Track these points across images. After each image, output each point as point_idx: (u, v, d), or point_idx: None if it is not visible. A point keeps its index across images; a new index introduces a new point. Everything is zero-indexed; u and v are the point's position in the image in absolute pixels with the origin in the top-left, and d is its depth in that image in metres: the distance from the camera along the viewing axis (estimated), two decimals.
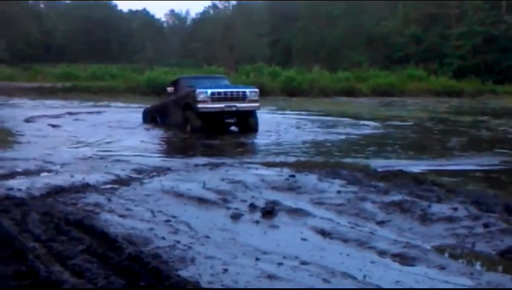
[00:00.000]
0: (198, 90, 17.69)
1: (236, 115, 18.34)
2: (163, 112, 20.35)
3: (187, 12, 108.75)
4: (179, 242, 5.74)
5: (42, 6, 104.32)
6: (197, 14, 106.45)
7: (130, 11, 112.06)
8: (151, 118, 21.28)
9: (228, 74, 44.46)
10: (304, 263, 5.32)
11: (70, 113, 23.43)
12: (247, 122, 18.54)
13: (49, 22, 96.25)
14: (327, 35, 75.74)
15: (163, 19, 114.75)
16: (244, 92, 18.46)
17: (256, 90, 18.92)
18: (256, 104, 18.54)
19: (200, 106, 17.50)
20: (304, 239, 6.24)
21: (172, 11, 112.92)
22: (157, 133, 18.31)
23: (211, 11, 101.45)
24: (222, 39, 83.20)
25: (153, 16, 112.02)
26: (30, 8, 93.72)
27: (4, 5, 75.77)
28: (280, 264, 5.25)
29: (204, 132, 17.56)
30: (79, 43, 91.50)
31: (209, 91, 17.73)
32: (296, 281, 4.81)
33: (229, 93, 18.13)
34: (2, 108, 25.49)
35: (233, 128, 19.18)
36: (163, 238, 5.86)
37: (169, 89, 20.39)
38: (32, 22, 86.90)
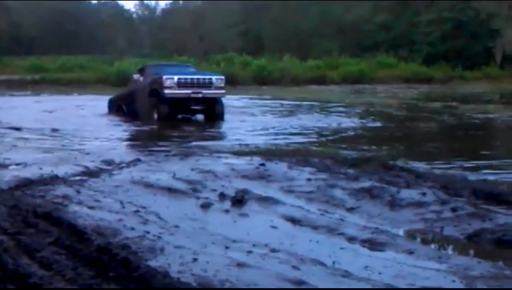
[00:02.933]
0: (165, 77, 17.91)
1: (202, 101, 18.42)
2: (130, 100, 20.30)
3: (156, 3, 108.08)
4: (148, 232, 5.71)
5: None
6: (166, 5, 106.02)
7: (99, 2, 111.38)
8: (117, 106, 21.25)
9: (198, 64, 44.36)
10: (273, 250, 5.33)
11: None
12: (213, 109, 18.66)
13: (17, 14, 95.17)
14: (298, 24, 75.70)
15: (133, 9, 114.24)
16: (211, 78, 18.75)
17: (222, 77, 19.22)
18: (223, 91, 18.85)
19: (166, 91, 17.69)
20: (273, 227, 6.27)
21: (141, 1, 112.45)
22: (125, 122, 18.31)
23: (181, 2, 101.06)
24: (192, 29, 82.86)
25: (122, 7, 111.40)
26: None
27: None
28: (249, 252, 5.26)
29: (171, 121, 17.75)
30: (48, 35, 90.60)
31: (176, 77, 17.95)
32: (265, 268, 4.81)
33: (195, 80, 18.39)
34: None
35: (199, 116, 19.33)
36: (133, 229, 5.83)
37: (136, 76, 20.48)
38: (0, 15, 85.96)
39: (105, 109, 21.56)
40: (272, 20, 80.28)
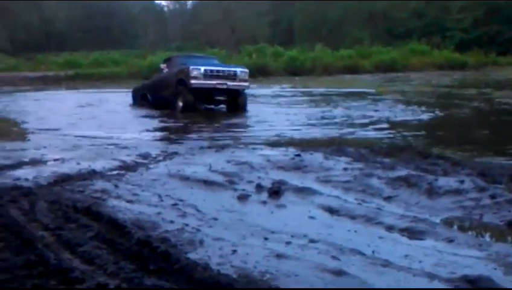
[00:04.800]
0: (191, 67, 18.40)
1: (226, 92, 18.84)
2: (155, 89, 20.80)
3: None
4: (187, 225, 5.74)
5: None
6: None
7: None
8: (141, 95, 21.75)
9: (230, 56, 44.41)
10: (312, 241, 5.33)
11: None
12: (237, 100, 19.09)
13: (49, 10, 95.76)
14: (328, 13, 75.39)
15: (164, 3, 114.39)
16: (235, 71, 19.16)
17: (247, 70, 19.56)
18: (246, 84, 19.22)
19: (193, 81, 18.14)
20: (311, 217, 6.26)
21: None
22: (154, 114, 18.49)
23: None
24: (223, 21, 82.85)
25: (153, 2, 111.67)
26: None
27: None
28: (288, 243, 5.26)
29: (196, 111, 18.26)
30: (79, 31, 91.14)
31: (202, 68, 18.44)
32: (305, 259, 4.81)
33: (220, 72, 18.83)
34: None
35: (222, 106, 19.69)
36: (172, 222, 5.86)
37: (163, 66, 21.15)
38: (33, 11, 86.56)
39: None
40: (301, 10, 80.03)
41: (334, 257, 4.88)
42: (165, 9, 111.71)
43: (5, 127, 14.63)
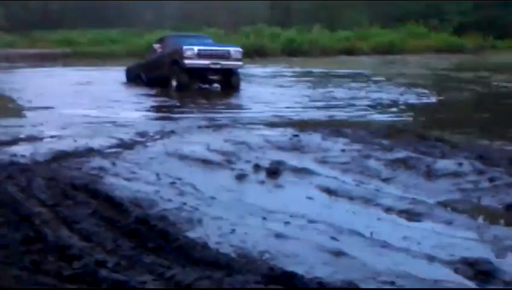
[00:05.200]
0: (185, 47, 18.46)
1: (220, 72, 18.89)
2: (149, 69, 20.85)
3: None
4: (185, 204, 5.73)
5: None
6: None
7: None
8: (135, 75, 21.89)
9: (228, 36, 44.24)
10: (311, 221, 5.32)
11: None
12: (230, 80, 19.08)
13: None
14: None
15: None
16: (229, 50, 19.33)
17: (240, 49, 19.64)
18: (240, 63, 19.28)
19: (187, 61, 18.22)
20: (309, 198, 6.24)
21: None
22: (149, 92, 18.47)
23: None
24: (220, 1, 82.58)
25: None
26: None
27: None
28: (287, 223, 5.25)
29: (190, 90, 18.29)
30: (76, 9, 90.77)
31: (196, 48, 18.53)
32: (304, 239, 4.80)
33: (214, 51, 19.01)
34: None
35: (215, 85, 19.64)
36: (170, 200, 5.85)
37: (156, 46, 21.11)
38: None
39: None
40: None
41: (333, 238, 4.87)
42: None
43: (1, 103, 14.59)
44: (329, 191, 6.45)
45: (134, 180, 6.67)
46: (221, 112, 13.89)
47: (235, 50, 19.33)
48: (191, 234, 4.80)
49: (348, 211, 5.80)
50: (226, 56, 18.88)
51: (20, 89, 18.46)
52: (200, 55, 18.35)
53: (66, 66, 32.55)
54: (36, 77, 24.32)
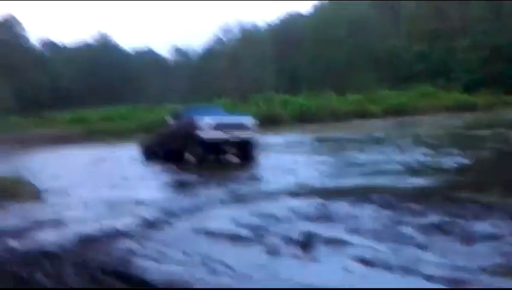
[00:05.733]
0: (200, 120, 18.32)
1: (236, 143, 18.71)
2: (163, 143, 20.77)
3: (192, 49, 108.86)
4: (219, 283, 5.53)
5: (46, 52, 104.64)
6: (202, 50, 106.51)
7: (134, 51, 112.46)
8: (149, 151, 21.86)
9: (237, 105, 44.47)
10: None
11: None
12: (248, 150, 18.91)
13: (54, 67, 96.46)
14: (333, 59, 75.71)
15: (168, 56, 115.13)
16: (244, 121, 19.30)
17: (255, 120, 19.54)
18: (256, 133, 19.22)
19: (202, 134, 18.09)
20: (346, 270, 6.03)
21: (176, 48, 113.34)
22: (165, 168, 18.31)
23: (216, 46, 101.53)
24: (229, 71, 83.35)
25: (157, 55, 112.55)
26: (35, 55, 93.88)
27: (9, 54, 76.36)
28: None
29: (207, 163, 18.16)
30: (85, 86, 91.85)
31: (210, 120, 18.32)
32: None
33: (229, 123, 18.90)
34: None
35: (232, 157, 19.33)
36: (203, 280, 5.66)
37: (168, 119, 21.26)
38: (38, 69, 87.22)
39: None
40: (305, 55, 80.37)
41: None
42: (170, 62, 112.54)
43: (19, 187, 14.44)
44: (365, 262, 6.22)
45: (164, 261, 6.47)
46: (242, 184, 13.70)
47: (250, 120, 19.23)
48: None
49: (389, 282, 5.58)
50: (242, 127, 18.74)
51: (36, 171, 18.39)
52: (215, 127, 18.17)
53: (79, 145, 32.62)
54: (51, 158, 24.41)
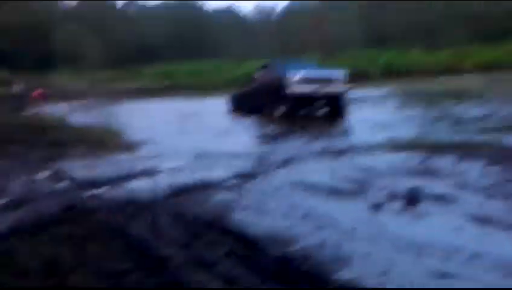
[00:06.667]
0: (289, 74, 17.89)
1: (325, 97, 18.14)
2: (253, 97, 20.45)
3: (272, 7, 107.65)
4: (325, 239, 5.18)
5: (131, 13, 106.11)
6: (283, 8, 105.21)
7: (215, 11, 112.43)
8: (238, 104, 21.81)
9: (324, 62, 43.84)
10: (472, 256, 4.67)
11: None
12: (337, 105, 18.31)
13: (139, 25, 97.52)
14: (423, 15, 73.96)
15: (249, 15, 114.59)
16: (334, 74, 18.59)
17: (345, 73, 18.78)
18: (346, 87, 18.53)
19: (291, 88, 17.67)
20: (459, 228, 5.59)
21: (257, 6, 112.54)
22: (256, 121, 18.14)
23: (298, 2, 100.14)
24: (314, 28, 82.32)
25: (239, 13, 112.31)
26: (121, 16, 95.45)
27: (99, 15, 77.68)
28: (446, 259, 4.63)
29: (300, 118, 17.73)
30: (169, 44, 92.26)
31: (299, 74, 17.85)
32: (476, 279, 4.19)
33: (318, 76, 18.27)
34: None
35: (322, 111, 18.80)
36: (308, 235, 5.32)
37: (257, 76, 20.90)
38: (124, 28, 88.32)
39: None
40: (396, 12, 78.80)
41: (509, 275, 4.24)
42: (252, 18, 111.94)
43: (112, 138, 14.39)
44: (479, 220, 5.78)
45: (265, 214, 6.17)
46: (335, 138, 13.30)
47: (340, 74, 18.60)
48: (344, 275, 4.25)
49: (505, 244, 5.11)
50: (331, 81, 18.19)
51: (127, 123, 18.37)
52: (304, 81, 17.75)
53: (167, 98, 32.67)
54: (140, 111, 24.41)
